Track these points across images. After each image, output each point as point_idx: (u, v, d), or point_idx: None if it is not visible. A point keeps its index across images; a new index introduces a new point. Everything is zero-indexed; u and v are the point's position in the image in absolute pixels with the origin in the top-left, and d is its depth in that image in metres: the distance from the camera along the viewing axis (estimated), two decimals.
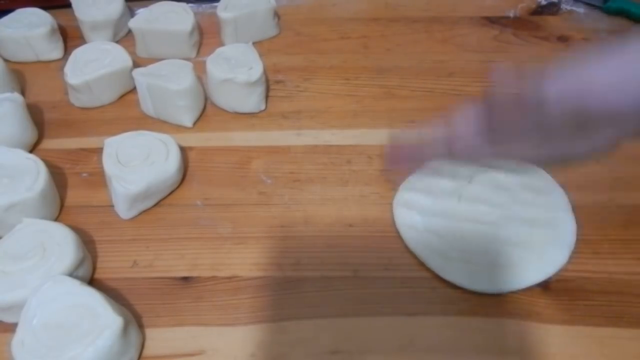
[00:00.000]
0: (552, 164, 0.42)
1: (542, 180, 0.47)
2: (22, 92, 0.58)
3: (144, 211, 0.47)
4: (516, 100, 0.33)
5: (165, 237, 0.46)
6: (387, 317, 0.40)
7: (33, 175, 0.45)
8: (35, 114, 0.55)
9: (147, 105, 0.55)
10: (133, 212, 0.47)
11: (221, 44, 0.61)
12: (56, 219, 0.47)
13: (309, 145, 0.53)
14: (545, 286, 0.41)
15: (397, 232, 0.45)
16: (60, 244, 0.41)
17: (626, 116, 0.31)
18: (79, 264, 0.41)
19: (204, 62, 0.55)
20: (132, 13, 0.65)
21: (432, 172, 0.46)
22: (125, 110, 0.57)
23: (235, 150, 0.52)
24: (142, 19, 0.61)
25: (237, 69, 0.53)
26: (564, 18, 0.66)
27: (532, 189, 0.46)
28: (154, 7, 0.62)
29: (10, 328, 0.37)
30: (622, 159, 0.50)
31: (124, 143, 0.48)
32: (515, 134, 0.34)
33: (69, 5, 0.63)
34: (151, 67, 0.55)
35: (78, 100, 0.57)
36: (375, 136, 0.53)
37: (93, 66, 0.56)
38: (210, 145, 0.53)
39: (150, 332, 0.40)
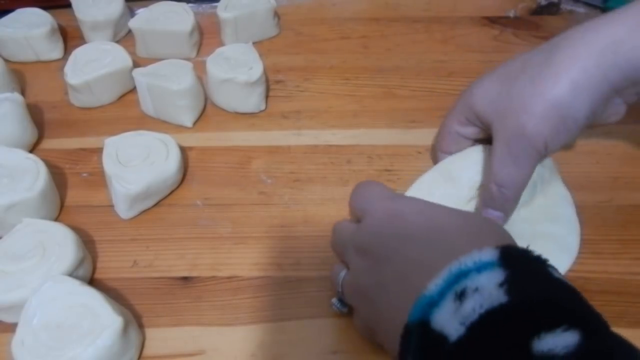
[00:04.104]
0: None
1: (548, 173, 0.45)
2: (22, 92, 0.58)
3: (144, 211, 0.47)
4: None
5: (165, 237, 0.46)
6: None
7: (33, 175, 0.45)
8: (35, 114, 0.55)
9: (147, 105, 0.55)
10: (133, 212, 0.47)
11: (221, 44, 0.62)
12: (56, 219, 0.47)
13: (309, 145, 0.53)
14: None
15: None
16: (60, 244, 0.41)
17: None
18: (79, 264, 0.41)
19: (204, 62, 0.55)
20: (132, 13, 0.65)
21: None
22: (125, 110, 0.57)
23: (235, 150, 0.52)
24: (142, 19, 0.61)
25: (237, 69, 0.53)
26: (564, 18, 0.66)
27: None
28: (154, 7, 0.62)
29: (10, 328, 0.37)
30: (622, 159, 0.50)
31: (124, 143, 0.48)
32: None
33: (69, 5, 0.63)
34: (151, 67, 0.55)
35: (78, 100, 0.57)
36: (375, 136, 0.53)
37: (93, 66, 0.56)
38: (210, 145, 0.53)
39: (150, 332, 0.40)
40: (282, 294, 0.42)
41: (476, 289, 0.25)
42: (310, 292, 0.42)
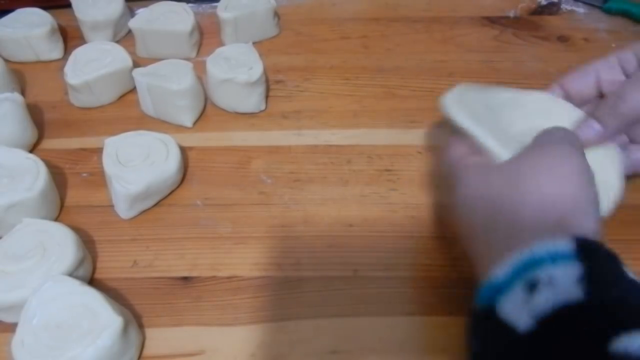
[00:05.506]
0: None
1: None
2: (22, 92, 0.58)
3: (144, 211, 0.47)
4: None
5: (165, 237, 0.46)
6: (387, 317, 0.40)
7: (33, 175, 0.45)
8: (35, 114, 0.55)
9: (147, 105, 0.55)
10: (133, 212, 0.47)
11: (221, 44, 0.61)
12: (56, 219, 0.47)
13: (309, 145, 0.53)
14: None
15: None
16: (60, 244, 0.41)
17: None
18: (79, 264, 0.41)
19: (204, 62, 0.55)
20: (132, 13, 0.65)
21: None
22: (125, 110, 0.57)
23: (235, 150, 0.52)
24: (142, 19, 0.61)
25: (237, 69, 0.53)
26: (564, 18, 0.66)
27: None
28: (154, 7, 0.62)
29: (10, 328, 0.37)
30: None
31: (124, 143, 0.48)
32: None
33: (69, 5, 0.63)
34: (151, 67, 0.55)
35: (78, 100, 0.57)
36: (375, 136, 0.53)
37: (93, 66, 0.56)
38: (210, 145, 0.53)
39: (150, 332, 0.40)
40: (282, 294, 0.42)
41: (550, 282, 0.25)
42: (310, 292, 0.42)
